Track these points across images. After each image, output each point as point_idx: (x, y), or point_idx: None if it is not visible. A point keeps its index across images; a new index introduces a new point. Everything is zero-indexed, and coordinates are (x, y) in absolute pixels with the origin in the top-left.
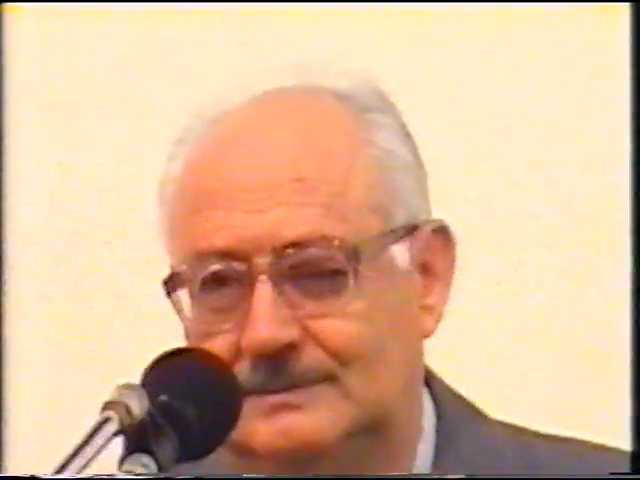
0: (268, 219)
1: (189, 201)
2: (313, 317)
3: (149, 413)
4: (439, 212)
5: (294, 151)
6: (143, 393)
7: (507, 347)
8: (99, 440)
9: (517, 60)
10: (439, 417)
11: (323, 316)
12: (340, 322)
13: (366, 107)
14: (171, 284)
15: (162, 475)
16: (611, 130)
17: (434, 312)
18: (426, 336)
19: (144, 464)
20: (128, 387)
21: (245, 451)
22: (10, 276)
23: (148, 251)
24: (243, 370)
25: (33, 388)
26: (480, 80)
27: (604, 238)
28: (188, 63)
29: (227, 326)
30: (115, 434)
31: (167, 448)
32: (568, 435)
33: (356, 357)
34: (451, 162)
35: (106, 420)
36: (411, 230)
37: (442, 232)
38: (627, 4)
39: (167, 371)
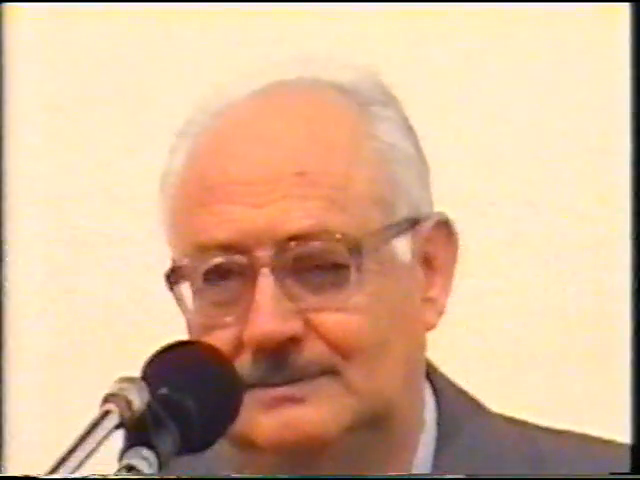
0: (270, 212)
1: (191, 194)
2: (315, 310)
3: (149, 406)
4: (440, 207)
5: (296, 144)
6: (143, 386)
7: (508, 341)
8: (99, 433)
9: (517, 60)
10: (440, 411)
11: (325, 309)
12: (342, 315)
13: (368, 100)
14: (173, 277)
15: (158, 476)
16: (611, 130)
17: (436, 305)
18: (428, 329)
19: (144, 457)
20: (128, 380)
21: (247, 444)
22: (10, 275)
23: (149, 249)
24: (245, 363)
25: (33, 388)
26: (480, 80)
27: (604, 238)
28: (188, 63)
29: (229, 319)
30: (115, 427)
31: (167, 441)
32: (569, 428)
33: (358, 350)
34: (451, 158)
35: (106, 413)
36: (413, 223)
37: (444, 225)
38: (627, 4)
39: (167, 364)
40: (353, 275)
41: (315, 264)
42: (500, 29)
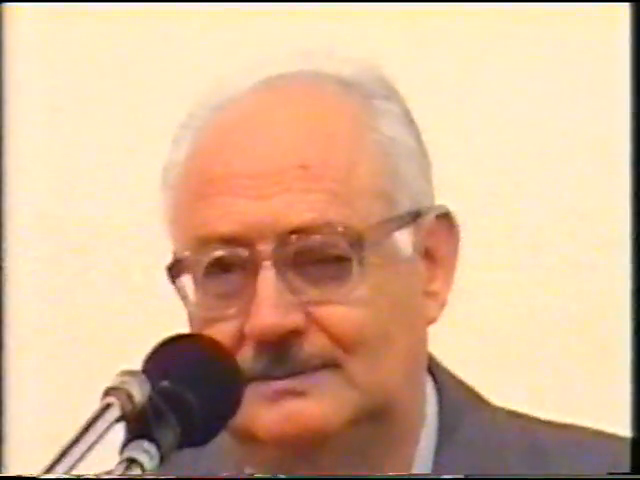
0: (272, 205)
1: (193, 187)
2: (317, 303)
3: (150, 399)
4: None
5: (298, 137)
6: (144, 379)
7: (509, 334)
8: (101, 426)
9: (517, 60)
10: (442, 405)
11: (327, 302)
12: (344, 309)
13: (370, 94)
14: (175, 270)
15: (154, 475)
16: (611, 130)
17: (438, 298)
18: (430, 322)
19: (145, 450)
20: (129, 373)
21: (248, 437)
22: (10, 275)
23: (149, 247)
24: (246, 356)
25: (33, 388)
26: (480, 80)
27: (604, 238)
28: (188, 63)
29: (231, 312)
30: (116, 420)
31: (168, 434)
32: (569, 422)
33: (359, 344)
34: (451, 152)
35: (107, 406)
36: (415, 216)
37: (446, 218)
38: (627, 4)
39: (168, 357)
40: (355, 268)
41: (317, 257)
42: (500, 29)
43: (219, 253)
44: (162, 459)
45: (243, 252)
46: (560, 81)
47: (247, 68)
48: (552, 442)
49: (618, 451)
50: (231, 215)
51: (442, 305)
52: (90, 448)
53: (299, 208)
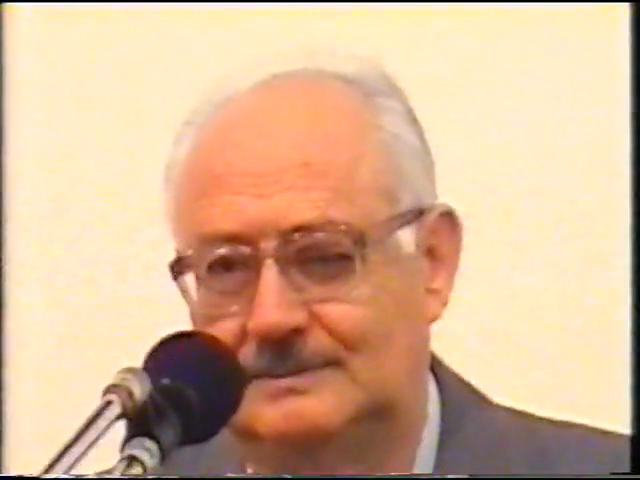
0: (275, 203)
1: (195, 185)
2: (319, 301)
3: (151, 396)
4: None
5: (300, 135)
6: (145, 376)
7: (511, 332)
8: (101, 423)
9: (517, 60)
10: (444, 403)
11: (329, 300)
12: (346, 307)
13: (373, 91)
14: (177, 268)
15: (156, 475)
16: (611, 130)
17: (440, 296)
18: (432, 320)
19: (146, 447)
20: (130, 371)
21: (250, 435)
22: (10, 274)
23: (149, 247)
24: (249, 354)
25: (33, 387)
26: (480, 80)
27: (604, 238)
28: (188, 63)
29: (233, 310)
30: (117, 418)
31: (169, 431)
32: (571, 420)
33: (362, 342)
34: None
35: (108, 403)
36: (418, 214)
37: (448, 216)
38: (627, 4)
39: (169, 354)
40: (358, 266)
41: (319, 255)
42: (500, 29)
43: (222, 251)
44: (163, 457)
45: (246, 250)
46: (560, 81)
47: (249, 66)
48: (554, 440)
49: (620, 449)
50: (233, 213)
51: (444, 303)
52: (91, 446)
53: (301, 206)
